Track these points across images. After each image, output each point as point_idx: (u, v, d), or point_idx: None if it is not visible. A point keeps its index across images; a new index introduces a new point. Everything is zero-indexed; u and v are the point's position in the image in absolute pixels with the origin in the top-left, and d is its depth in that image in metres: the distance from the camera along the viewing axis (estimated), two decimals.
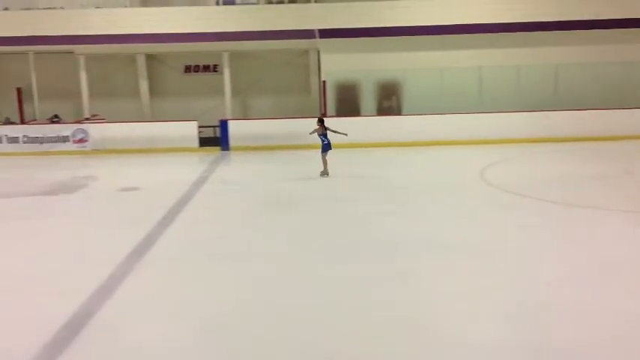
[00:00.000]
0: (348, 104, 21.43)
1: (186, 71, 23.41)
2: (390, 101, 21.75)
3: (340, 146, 16.19)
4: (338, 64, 20.93)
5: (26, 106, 21.83)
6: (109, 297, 8.12)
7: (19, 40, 20.82)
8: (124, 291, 8.37)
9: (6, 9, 22.17)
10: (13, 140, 19.59)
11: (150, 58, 22.93)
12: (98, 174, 16.62)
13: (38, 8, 21.50)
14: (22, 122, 21.17)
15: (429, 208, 12.46)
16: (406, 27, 20.82)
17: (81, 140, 19.68)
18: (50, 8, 21.65)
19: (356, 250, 9.76)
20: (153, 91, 23.14)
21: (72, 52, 21.75)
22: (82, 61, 21.88)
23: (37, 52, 21.84)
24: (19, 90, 21.65)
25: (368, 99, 21.51)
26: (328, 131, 15.27)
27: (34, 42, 20.97)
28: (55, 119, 21.53)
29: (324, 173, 15.39)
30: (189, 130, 19.80)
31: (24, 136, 19.66)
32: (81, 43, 21.20)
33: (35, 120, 21.63)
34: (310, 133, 15.51)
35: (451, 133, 19.46)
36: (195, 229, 11.44)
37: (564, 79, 21.22)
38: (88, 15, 21.43)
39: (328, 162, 15.43)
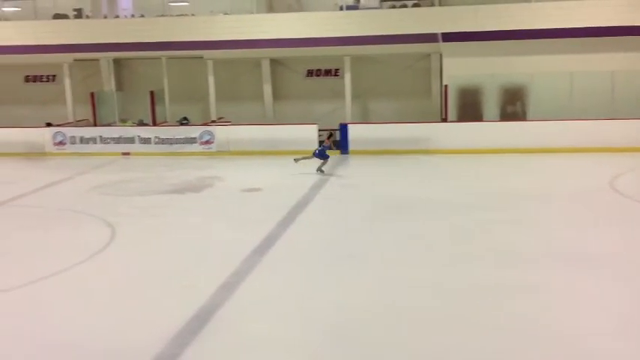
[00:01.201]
0: (470, 109, 20.97)
1: (308, 75, 23.79)
2: (514, 106, 21.08)
3: (463, 152, 15.89)
4: (461, 68, 20.55)
5: (158, 109, 22.97)
6: (232, 293, 8.38)
7: (154, 45, 21.95)
8: (245, 288, 8.61)
9: (142, 16, 23.47)
10: (146, 141, 20.64)
11: (274, 62, 23.49)
12: (222, 174, 17.19)
13: (171, 15, 22.57)
14: (154, 124, 22.28)
15: (557, 217, 11.97)
16: (534, 30, 20.11)
17: (207, 142, 20.45)
18: (182, 15, 22.69)
19: (480, 258, 9.53)
20: (276, 95, 23.69)
21: (201, 57, 22.66)
22: (210, 65, 22.74)
23: (169, 57, 22.92)
24: (152, 93, 22.82)
25: (491, 104, 20.96)
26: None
27: (167, 47, 22.04)
28: (183, 121, 22.49)
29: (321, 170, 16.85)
30: (309, 133, 20.09)
31: (155, 137, 20.67)
32: (209, 49, 22.05)
33: (166, 122, 22.71)
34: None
35: (579, 140, 18.58)
36: (315, 230, 11.59)
37: None
38: (217, 21, 22.27)
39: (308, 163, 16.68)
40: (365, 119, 23.07)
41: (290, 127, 20.51)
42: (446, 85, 20.68)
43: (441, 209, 12.74)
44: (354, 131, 20.03)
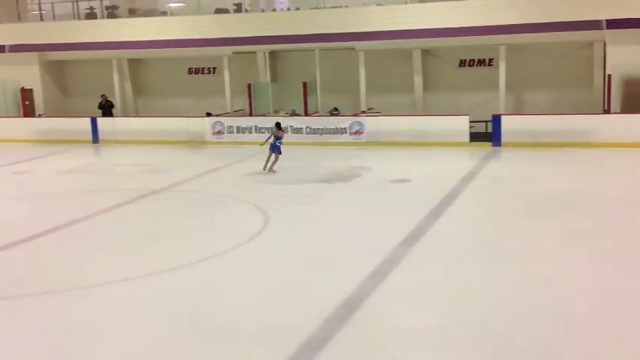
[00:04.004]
0: (636, 100, 19.61)
1: (460, 65, 23.32)
2: None
3: (627, 145, 14.91)
4: (626, 56, 19.25)
5: (310, 100, 23.51)
6: (381, 282, 8.45)
7: (308, 37, 22.46)
8: (394, 278, 8.65)
9: (297, 9, 24.09)
10: (298, 131, 21.21)
11: (425, 52, 23.25)
12: (371, 165, 17.31)
13: (325, 7, 22.98)
14: (306, 114, 22.85)
15: None
16: None
17: (357, 132, 20.66)
18: (335, 7, 23.02)
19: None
20: (426, 86, 23.44)
21: (353, 49, 22.89)
22: (361, 56, 22.92)
23: (322, 49, 23.37)
24: (304, 84, 23.40)
25: None
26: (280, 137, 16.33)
27: (321, 39, 22.46)
28: (334, 112, 22.87)
29: (270, 169, 16.26)
30: (460, 125, 19.72)
31: (307, 127, 21.19)
32: (362, 40, 22.21)
33: (317, 112, 23.20)
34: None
35: None
36: (464, 224, 11.39)
37: None
38: (370, 12, 22.37)
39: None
40: (518, 110, 22.27)
41: (440, 118, 20.25)
42: (609, 75, 19.48)
43: (601, 205, 12.07)
44: (508, 123, 19.40)
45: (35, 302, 8.43)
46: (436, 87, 23.39)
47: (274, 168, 16.35)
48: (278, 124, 16.87)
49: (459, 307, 7.67)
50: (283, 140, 16.59)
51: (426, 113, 22.13)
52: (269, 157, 16.37)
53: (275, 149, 16.31)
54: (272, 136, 16.43)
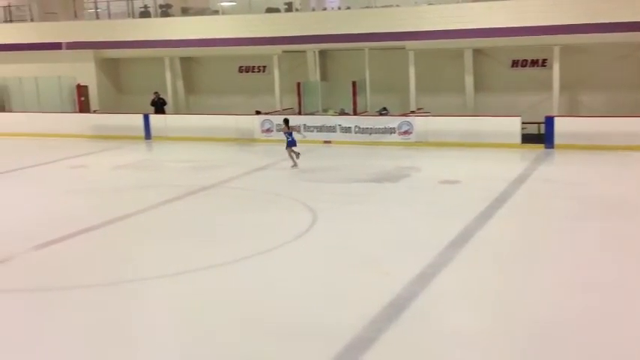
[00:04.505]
0: None
1: (513, 66, 22.95)
2: None
3: None
4: None
5: (359, 99, 23.47)
6: (428, 284, 8.40)
7: (358, 37, 22.42)
8: (441, 280, 8.58)
9: (348, 8, 24.07)
10: (346, 130, 21.20)
11: (477, 52, 22.95)
12: (420, 165, 17.19)
13: (376, 7, 22.90)
14: (355, 113, 22.81)
15: None
16: None
17: (406, 132, 20.54)
18: (386, 6, 22.92)
19: None
20: (477, 86, 23.13)
21: (403, 48, 22.76)
22: (411, 56, 22.77)
23: (371, 48, 23.30)
24: (354, 83, 23.36)
25: None
26: (293, 131, 17.20)
27: (371, 39, 22.39)
28: (383, 112, 22.77)
29: (294, 166, 16.88)
30: (511, 126, 19.41)
31: (356, 126, 21.16)
32: (412, 39, 22.05)
33: (366, 112, 23.14)
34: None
35: None
36: (514, 227, 11.24)
37: None
38: (421, 12, 22.19)
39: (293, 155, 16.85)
40: (572, 112, 21.80)
41: (491, 119, 19.98)
42: None
43: None
44: (561, 124, 19.02)
45: (87, 294, 8.64)
46: (488, 87, 23.07)
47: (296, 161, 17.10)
48: (286, 120, 17.57)
49: (507, 310, 7.57)
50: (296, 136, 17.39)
51: (477, 114, 21.85)
52: (290, 155, 17.06)
53: (290, 144, 17.10)
54: (285, 134, 17.24)
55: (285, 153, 17.22)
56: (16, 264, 9.99)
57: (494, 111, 21.28)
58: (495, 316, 7.41)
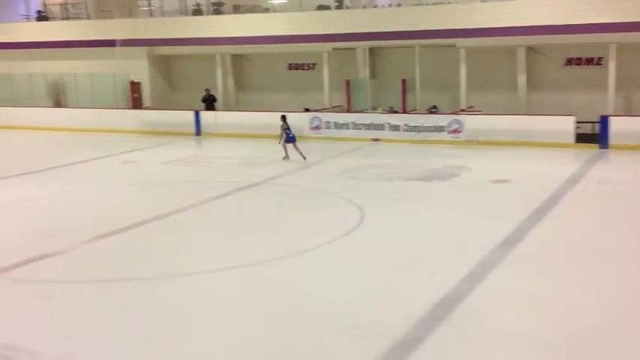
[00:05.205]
0: None
1: (567, 64, 22.46)
2: None
3: None
4: None
5: (409, 97, 23.31)
6: (477, 283, 8.30)
7: (408, 34, 22.25)
8: (491, 281, 8.47)
9: (399, 5, 23.94)
10: (395, 128, 21.09)
11: (530, 50, 22.55)
12: (470, 164, 16.98)
13: (427, 4, 22.71)
14: (404, 111, 22.67)
15: None
16: None
17: (455, 131, 20.32)
18: (437, 4, 22.71)
19: None
20: (530, 84, 22.73)
21: (454, 46, 22.51)
22: (462, 54, 22.50)
23: (421, 46, 23.12)
24: (403, 81, 23.22)
25: None
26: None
27: (421, 36, 22.20)
28: (433, 110, 22.57)
29: (286, 157, 17.69)
30: (565, 125, 19.02)
31: (404, 124, 21.03)
32: (463, 37, 21.78)
33: (415, 110, 22.98)
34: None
35: None
36: (567, 228, 11.01)
37: None
38: (472, 9, 21.92)
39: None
40: (628, 112, 21.23)
41: (544, 118, 19.62)
42: None
43: None
44: (616, 124, 18.55)
45: (138, 286, 8.82)
46: (541, 86, 22.65)
47: (303, 153, 17.51)
48: (283, 117, 18.09)
49: (557, 311, 7.44)
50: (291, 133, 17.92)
51: (529, 112, 21.47)
52: (296, 149, 17.57)
53: (289, 140, 17.68)
54: (283, 131, 17.76)
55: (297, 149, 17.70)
56: (76, 255, 10.24)
57: (547, 110, 20.88)
58: (546, 319, 7.27)
